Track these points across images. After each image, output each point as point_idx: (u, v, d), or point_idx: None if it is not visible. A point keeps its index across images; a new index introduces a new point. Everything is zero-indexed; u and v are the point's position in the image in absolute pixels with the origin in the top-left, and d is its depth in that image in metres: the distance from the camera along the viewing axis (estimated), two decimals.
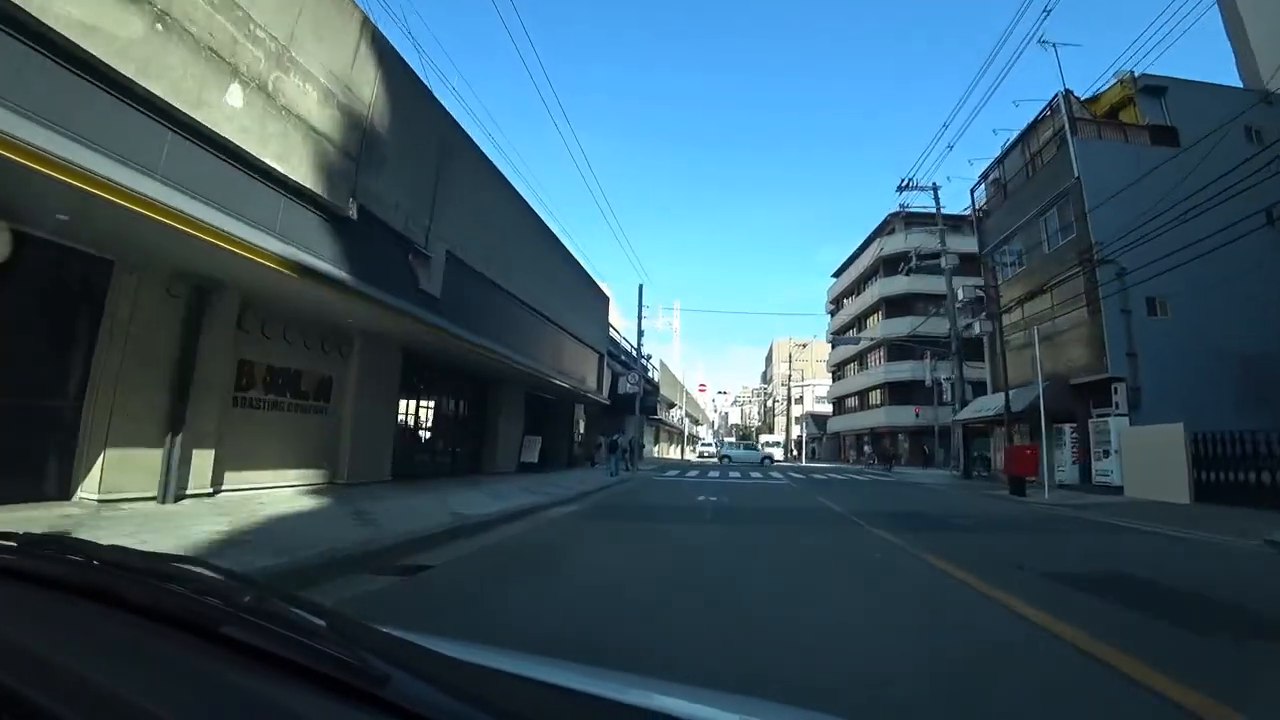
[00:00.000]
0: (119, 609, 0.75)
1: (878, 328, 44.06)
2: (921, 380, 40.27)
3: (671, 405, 45.39)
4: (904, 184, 25.60)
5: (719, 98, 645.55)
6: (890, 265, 44.68)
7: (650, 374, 37.47)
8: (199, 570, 0.84)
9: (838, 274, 56.44)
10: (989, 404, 20.56)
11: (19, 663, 0.64)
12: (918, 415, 37.95)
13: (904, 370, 41.17)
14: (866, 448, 38.07)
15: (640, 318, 21.61)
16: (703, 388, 54.18)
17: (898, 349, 42.97)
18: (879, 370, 43.61)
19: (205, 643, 0.67)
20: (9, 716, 0.57)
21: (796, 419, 59.80)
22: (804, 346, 52.20)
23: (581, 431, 22.62)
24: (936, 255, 44.20)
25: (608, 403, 21.94)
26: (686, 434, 51.08)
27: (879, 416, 43.48)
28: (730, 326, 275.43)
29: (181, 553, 3.52)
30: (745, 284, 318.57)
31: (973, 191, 24.69)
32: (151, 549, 1.18)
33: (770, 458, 35.93)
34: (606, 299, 23.28)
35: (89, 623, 0.75)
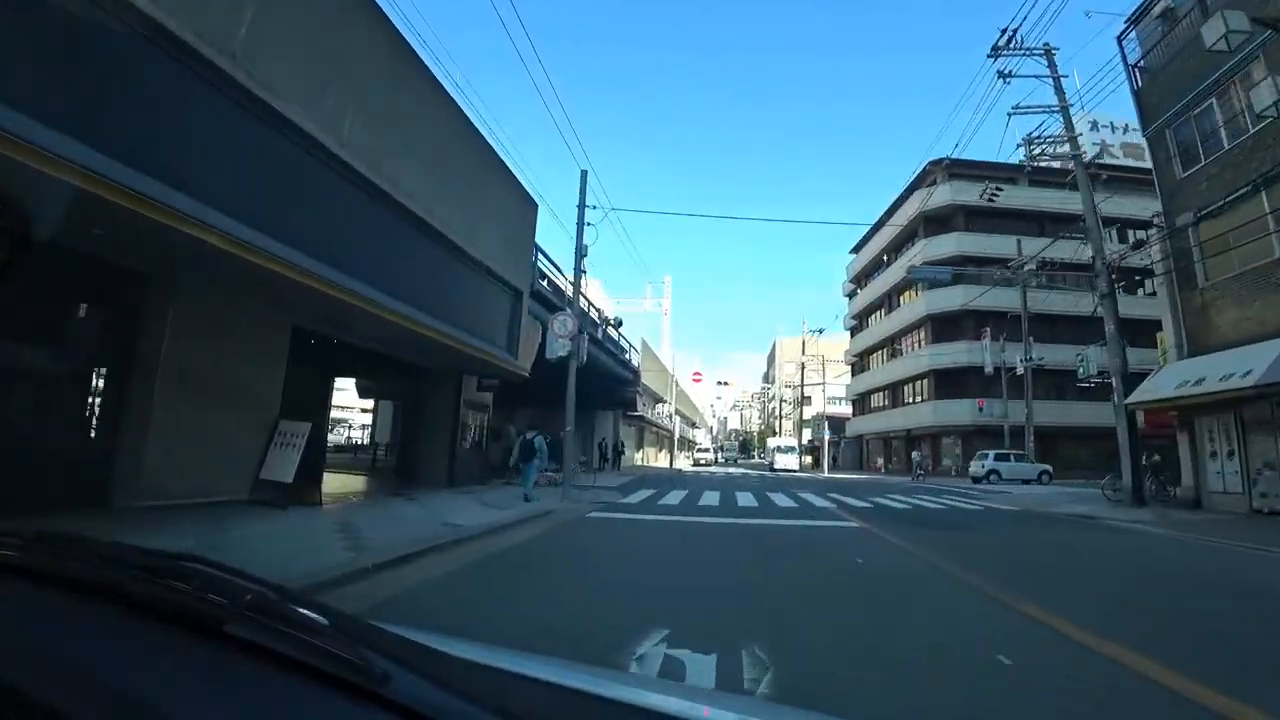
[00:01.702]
0: (122, 605, 0.74)
1: (920, 301, 34.87)
2: (979, 366, 31.19)
3: (659, 400, 36.10)
4: (1003, 40, 16.43)
5: (708, 95, 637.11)
6: (935, 224, 35.82)
7: (627, 356, 28.19)
8: (202, 567, 0.80)
9: (857, 249, 47.47)
10: (1213, 370, 11.25)
11: (22, 659, 0.63)
12: (982, 409, 28.61)
13: (956, 353, 32.00)
14: (916, 454, 28.68)
15: (581, 223, 12.34)
16: (698, 377, 44.58)
17: (946, 328, 33.81)
18: (922, 355, 34.39)
19: (208, 640, 0.66)
20: (12, 713, 0.56)
21: (805, 421, 50.46)
22: (820, 333, 43.01)
23: (478, 423, 13.16)
24: (998, 212, 35.24)
25: (525, 375, 12.69)
26: (678, 436, 41.49)
27: (922, 414, 34.18)
28: (728, 330, 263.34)
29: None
30: (741, 288, 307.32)
31: (1120, 41, 15.55)
32: None
33: (1050, 469, 24.17)
34: (533, 208, 14.08)
35: (92, 619, 0.74)
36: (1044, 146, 16.23)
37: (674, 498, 12.81)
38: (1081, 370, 15.82)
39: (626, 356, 28.07)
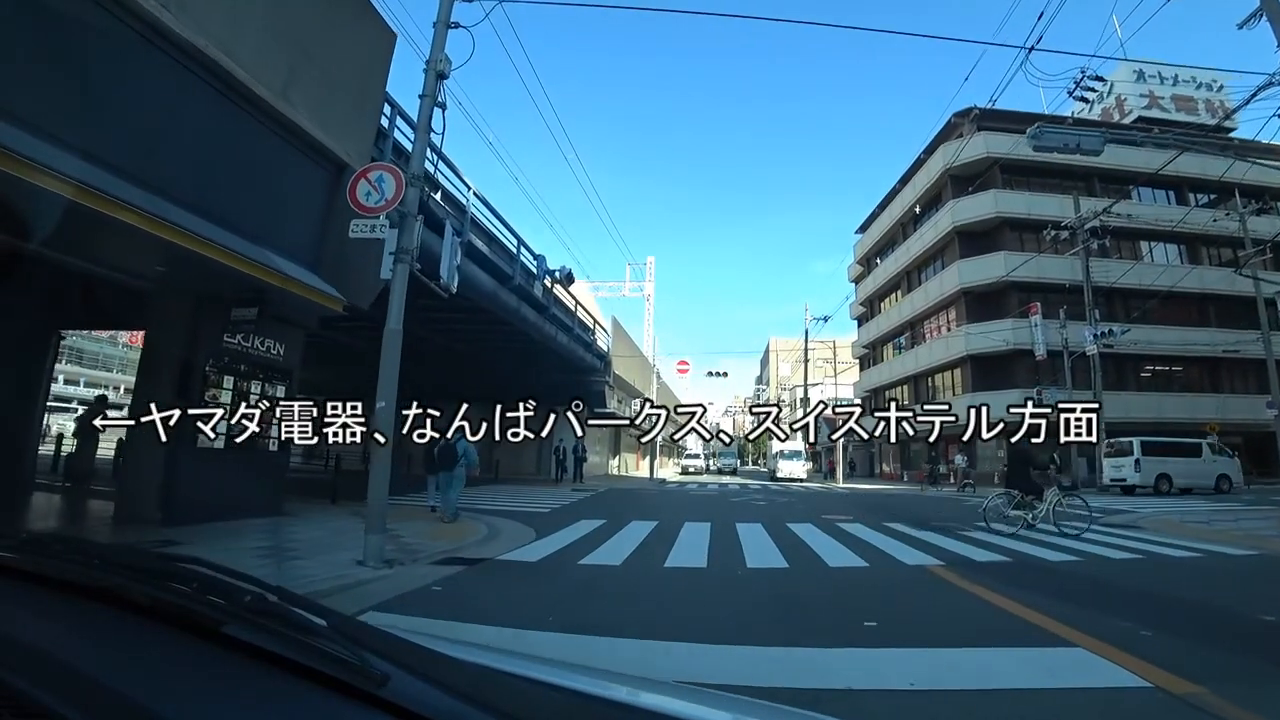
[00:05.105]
0: (120, 608, 0.73)
1: (951, 272, 29.04)
2: (1026, 349, 25.50)
3: (638, 397, 30.17)
4: None
5: (698, 102, 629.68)
6: (964, 184, 29.99)
7: (592, 337, 22.11)
8: (200, 569, 0.80)
9: (864, 227, 41.85)
10: None
11: (20, 661, 0.63)
12: (1040, 400, 22.82)
13: (1000, 332, 26.09)
14: (961, 457, 22.72)
15: (446, 22, 6.40)
16: (683, 367, 38.18)
17: (983, 306, 27.94)
18: (955, 337, 28.41)
19: (206, 642, 0.65)
20: (10, 715, 0.55)
21: (804, 425, 44.39)
22: (826, 320, 37.04)
23: (253, 400, 6.97)
24: (1040, 169, 30.09)
25: (339, 309, 6.64)
26: (659, 438, 35.54)
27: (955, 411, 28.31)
28: (719, 343, 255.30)
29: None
30: (737, 294, 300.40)
31: None
32: None
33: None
34: (384, 36, 8.03)
35: (90, 621, 0.73)
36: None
37: (625, 542, 6.73)
38: None
39: (591, 337, 22.02)
